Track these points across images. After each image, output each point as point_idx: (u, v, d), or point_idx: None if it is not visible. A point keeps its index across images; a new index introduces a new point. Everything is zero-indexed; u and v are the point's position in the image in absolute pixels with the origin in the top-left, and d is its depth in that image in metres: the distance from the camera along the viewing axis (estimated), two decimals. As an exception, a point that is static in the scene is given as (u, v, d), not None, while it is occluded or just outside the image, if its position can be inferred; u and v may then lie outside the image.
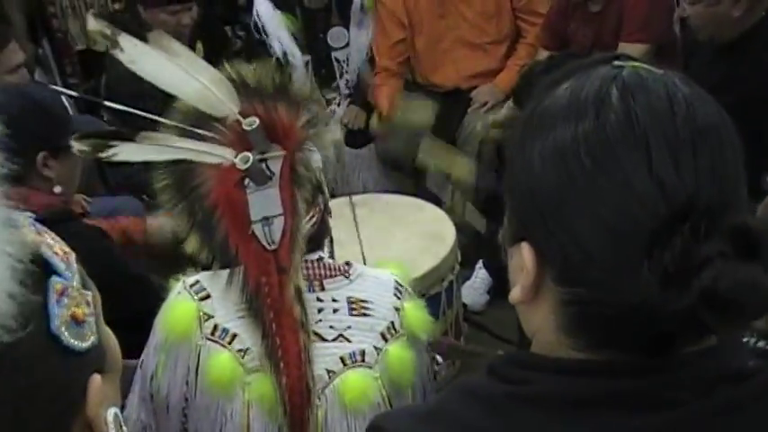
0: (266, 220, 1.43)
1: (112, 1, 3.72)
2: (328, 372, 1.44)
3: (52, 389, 0.65)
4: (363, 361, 1.44)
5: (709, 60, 2.64)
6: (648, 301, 0.67)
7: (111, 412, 0.69)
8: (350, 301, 1.47)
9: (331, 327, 1.45)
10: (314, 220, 1.48)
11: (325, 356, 1.44)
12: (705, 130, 0.71)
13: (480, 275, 3.33)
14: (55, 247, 0.68)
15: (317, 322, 1.45)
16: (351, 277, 1.49)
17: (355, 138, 3.73)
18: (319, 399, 1.43)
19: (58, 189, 2.04)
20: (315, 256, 1.50)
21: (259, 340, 1.42)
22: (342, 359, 1.44)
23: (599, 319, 0.72)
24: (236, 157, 1.45)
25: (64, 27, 3.74)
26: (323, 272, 1.49)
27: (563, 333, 0.75)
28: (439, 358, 2.59)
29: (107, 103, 2.92)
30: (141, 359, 1.51)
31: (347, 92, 3.78)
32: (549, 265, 0.74)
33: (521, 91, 2.24)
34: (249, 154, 1.44)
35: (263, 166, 1.45)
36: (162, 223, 2.48)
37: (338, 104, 3.78)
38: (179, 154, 1.48)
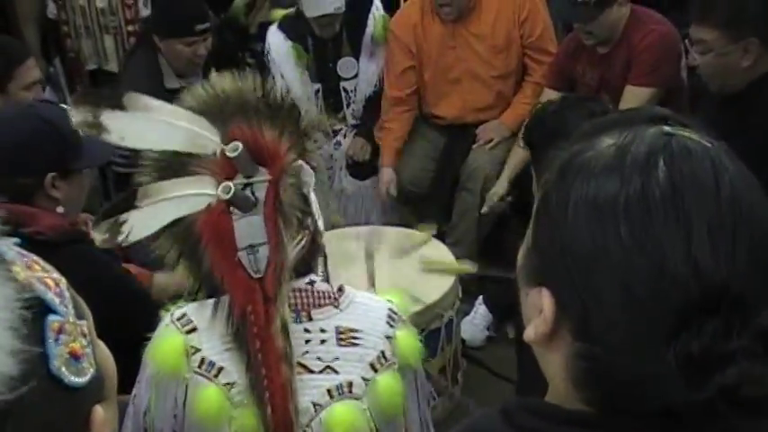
0: (251, 248, 1.42)
1: (126, 23, 3.74)
2: (314, 405, 1.42)
3: (56, 428, 0.64)
4: (351, 392, 1.43)
5: (717, 108, 2.65)
6: (664, 380, 0.67)
7: None
8: (338, 331, 1.45)
9: (318, 358, 1.44)
10: (303, 243, 1.46)
11: (311, 389, 1.42)
12: (747, 215, 0.70)
13: (480, 311, 3.32)
14: (46, 279, 0.66)
15: (303, 354, 1.43)
16: (341, 306, 1.48)
17: (360, 169, 3.74)
18: (305, 431, 1.41)
19: (60, 210, 2.04)
20: (305, 280, 1.48)
21: (244, 373, 1.41)
22: (329, 391, 1.43)
23: (610, 381, 0.71)
24: (218, 189, 1.44)
25: (76, 47, 3.76)
26: (312, 300, 1.47)
27: (572, 384, 0.74)
28: (434, 393, 2.58)
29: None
30: (134, 393, 1.49)
31: (353, 122, 3.80)
32: (567, 317, 0.73)
33: (532, 129, 2.24)
34: (231, 184, 1.43)
35: (248, 191, 1.44)
36: (167, 284, 2.48)
37: (344, 136, 3.79)
38: (173, 210, 1.47)
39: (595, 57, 3.21)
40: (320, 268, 1.55)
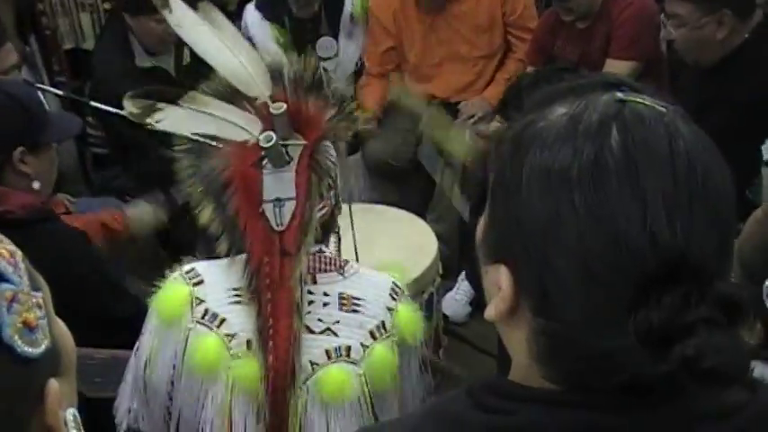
0: (278, 201, 1.47)
1: (103, 0, 3.70)
2: (312, 363, 1.45)
3: (8, 399, 0.64)
4: (348, 356, 1.46)
5: (694, 81, 2.66)
6: (625, 355, 0.66)
7: (70, 412, 0.68)
8: (341, 297, 1.49)
9: (319, 320, 1.47)
10: (324, 210, 1.51)
11: (311, 348, 1.45)
12: (703, 183, 0.69)
13: (463, 287, 3.33)
14: (0, 250, 0.66)
15: (305, 314, 1.46)
16: (345, 274, 1.51)
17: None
18: (300, 389, 1.44)
19: (36, 185, 2.04)
20: (315, 248, 1.51)
21: (249, 324, 1.44)
22: (327, 352, 1.46)
23: (572, 357, 0.70)
24: (260, 134, 1.48)
25: (53, 25, 3.71)
26: (318, 265, 1.50)
27: (535, 360, 0.73)
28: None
29: (93, 104, 2.91)
30: (137, 346, 1.52)
31: (334, 102, 3.77)
32: (526, 293, 0.72)
33: (508, 103, 2.24)
34: (272, 133, 1.47)
35: (284, 150, 1.48)
36: (141, 211, 2.46)
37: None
38: (212, 126, 1.51)
39: (574, 32, 3.20)
40: (333, 245, 1.59)
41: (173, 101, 1.52)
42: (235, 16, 3.82)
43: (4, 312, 0.63)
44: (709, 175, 0.70)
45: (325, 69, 3.83)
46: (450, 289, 3.29)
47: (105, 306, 1.65)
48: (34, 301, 0.66)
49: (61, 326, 0.72)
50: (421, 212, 3.17)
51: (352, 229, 2.40)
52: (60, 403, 0.67)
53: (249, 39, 3.56)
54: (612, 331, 0.66)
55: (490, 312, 0.75)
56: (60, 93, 3.14)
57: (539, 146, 0.71)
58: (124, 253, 2.63)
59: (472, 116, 3.53)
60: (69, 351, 0.71)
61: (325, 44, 3.65)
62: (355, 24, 3.64)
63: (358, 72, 3.70)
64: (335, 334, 1.46)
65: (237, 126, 1.52)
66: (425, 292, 2.61)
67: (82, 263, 2.01)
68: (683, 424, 0.70)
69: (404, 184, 3.68)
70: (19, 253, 0.67)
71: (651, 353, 0.65)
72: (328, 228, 1.56)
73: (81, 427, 0.68)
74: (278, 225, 1.46)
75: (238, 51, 1.52)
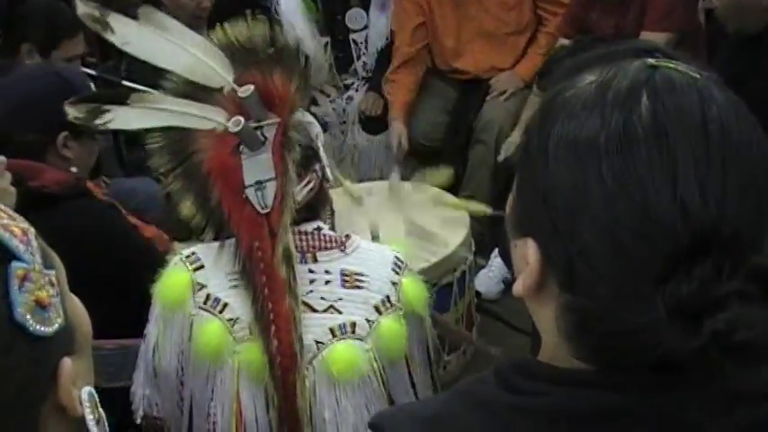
0: (259, 183, 1.45)
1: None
2: (317, 342, 1.45)
3: (20, 378, 0.63)
4: (354, 332, 1.45)
5: (734, 51, 2.60)
6: (655, 331, 0.63)
7: (86, 391, 0.67)
8: (343, 274, 1.48)
9: (322, 298, 1.46)
10: (311, 185, 1.49)
11: (314, 327, 1.45)
12: (738, 150, 0.66)
13: (496, 264, 3.30)
14: (12, 227, 0.64)
15: (307, 293, 1.46)
16: (347, 250, 1.50)
17: (372, 124, 3.70)
18: (307, 369, 1.43)
19: (74, 170, 2.08)
20: (313, 225, 1.51)
21: (249, 308, 1.43)
22: (331, 330, 1.45)
23: (600, 334, 0.68)
24: (228, 121, 1.46)
25: (81, 6, 3.73)
26: (317, 243, 1.49)
27: (564, 338, 0.71)
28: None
29: (125, 83, 2.92)
30: (145, 332, 1.53)
31: (364, 75, 3.74)
32: (553, 268, 0.70)
33: (546, 76, 2.20)
34: (241, 118, 1.46)
35: (258, 132, 1.46)
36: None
37: (356, 90, 3.74)
38: (172, 119, 1.49)
39: (610, 3, 3.15)
40: (328, 220, 1.57)
41: (121, 102, 1.50)
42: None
43: (16, 291, 0.62)
44: (744, 143, 0.66)
45: (355, 42, 3.81)
46: (484, 266, 3.27)
47: (144, 275, 1.67)
48: (47, 279, 0.65)
49: (77, 304, 0.71)
50: (452, 190, 3.14)
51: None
52: (75, 382, 0.66)
53: (277, 12, 3.56)
54: (642, 306, 0.63)
55: (518, 287, 0.73)
56: (93, 73, 3.15)
57: (566, 115, 0.69)
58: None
59: (504, 92, 3.49)
60: (84, 330, 0.70)
61: (354, 15, 3.62)
62: (387, -3, 3.61)
63: (388, 47, 3.66)
64: (339, 311, 1.46)
65: (200, 117, 1.50)
66: (458, 270, 2.60)
67: (116, 236, 2.03)
68: (718, 405, 0.68)
69: (435, 162, 3.65)
70: (32, 230, 0.66)
71: (682, 328, 0.62)
72: (319, 203, 1.54)
73: (98, 406, 0.67)
74: (263, 208, 1.45)
75: (191, 46, 1.50)
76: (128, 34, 1.47)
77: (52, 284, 0.66)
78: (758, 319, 0.61)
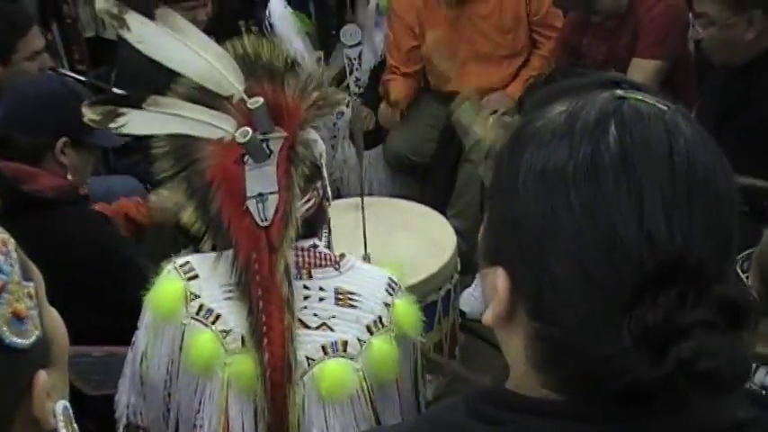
0: (261, 196, 1.45)
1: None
2: (308, 359, 1.44)
3: None
4: (345, 351, 1.44)
5: (722, 82, 2.62)
6: (622, 359, 0.64)
7: (60, 405, 0.66)
8: (337, 292, 1.47)
9: (315, 315, 1.46)
10: (311, 203, 1.49)
11: (306, 344, 1.44)
12: (703, 182, 0.67)
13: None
14: None
15: (301, 309, 1.45)
16: (341, 269, 1.50)
17: (363, 138, 3.71)
18: (297, 385, 1.43)
19: (69, 178, 2.09)
20: (309, 242, 1.50)
21: (243, 320, 1.43)
22: (323, 347, 1.44)
23: (568, 362, 0.68)
24: (236, 131, 1.46)
25: (74, 13, 3.74)
26: (313, 260, 1.49)
27: (532, 367, 0.71)
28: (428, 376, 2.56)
29: (115, 90, 2.91)
30: (133, 340, 1.52)
31: (356, 90, 3.75)
32: (522, 297, 0.70)
33: (527, 98, 2.21)
34: (249, 129, 1.45)
35: (264, 144, 1.46)
36: (163, 198, 2.47)
37: (347, 105, 3.75)
38: (183, 126, 1.49)
39: (602, 29, 3.17)
40: (324, 238, 1.56)
41: (136, 105, 1.50)
42: (262, 5, 3.83)
43: None
44: (710, 175, 0.67)
45: (348, 58, 3.83)
46: (468, 285, 3.27)
47: (125, 289, 1.66)
48: (25, 291, 0.65)
49: (54, 316, 0.70)
50: (440, 208, 3.15)
51: (363, 223, 2.41)
52: (49, 394, 0.65)
53: (271, 27, 3.57)
54: (609, 335, 0.64)
55: (487, 317, 0.73)
56: (83, 79, 3.15)
57: (535, 144, 0.69)
58: (144, 239, 2.64)
59: (494, 111, 3.51)
60: (61, 342, 0.70)
61: (349, 31, 3.62)
62: (381, 15, 3.62)
63: (381, 63, 3.68)
64: (331, 329, 1.45)
65: (209, 125, 1.49)
66: (443, 289, 2.60)
67: (107, 246, 2.04)
68: None
69: (424, 179, 3.66)
70: (12, 241, 0.66)
71: (648, 356, 0.63)
72: (317, 221, 1.54)
73: (72, 421, 0.67)
74: (262, 220, 1.44)
75: (205, 51, 1.49)
76: (143, 33, 1.47)
77: (30, 297, 0.65)
78: (722, 348, 0.62)
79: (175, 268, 1.49)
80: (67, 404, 0.67)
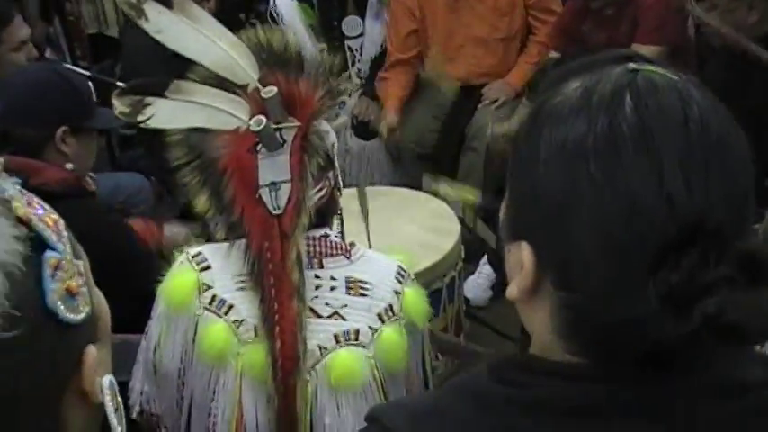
0: (274, 185, 1.46)
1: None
2: (321, 348, 1.45)
3: (48, 363, 0.65)
4: (357, 340, 1.45)
5: (723, 65, 2.64)
6: (648, 320, 0.66)
7: (107, 379, 0.68)
8: (348, 281, 1.48)
9: (327, 304, 1.47)
10: (323, 192, 1.50)
11: (319, 333, 1.45)
12: (718, 146, 0.69)
13: (485, 271, 3.33)
14: (45, 218, 0.66)
15: (313, 298, 1.46)
16: (352, 258, 1.51)
17: (364, 129, 3.73)
18: (309, 374, 1.44)
19: (69, 166, 2.08)
20: (320, 232, 1.51)
21: (256, 310, 1.44)
22: (335, 336, 1.45)
23: (595, 327, 0.71)
24: (250, 120, 1.47)
25: (76, 11, 3.75)
26: (324, 250, 1.50)
27: (558, 336, 0.74)
28: (438, 355, 2.59)
29: (120, 84, 2.92)
30: (146, 329, 1.53)
31: (358, 81, 3.78)
32: (548, 267, 0.73)
33: (537, 84, 2.23)
34: (263, 117, 1.46)
35: (277, 133, 1.47)
36: (177, 235, 2.50)
37: (349, 95, 3.77)
38: (202, 116, 1.50)
39: (601, 16, 3.18)
40: (336, 228, 1.58)
41: (160, 93, 1.52)
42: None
43: (49, 279, 0.64)
44: (724, 139, 0.70)
45: (350, 49, 3.84)
46: (472, 273, 3.29)
47: (136, 277, 1.68)
48: (76, 268, 0.67)
49: (99, 294, 0.72)
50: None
51: (365, 211, 2.43)
52: (96, 369, 0.68)
53: (276, 16, 3.58)
54: (635, 297, 0.66)
55: (513, 290, 0.75)
56: (88, 73, 3.16)
57: (554, 120, 0.72)
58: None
59: (495, 100, 3.53)
60: (105, 320, 0.72)
61: (350, 23, 3.65)
62: (381, 5, 3.64)
63: (382, 54, 3.69)
64: (343, 318, 1.46)
65: (227, 113, 1.51)
66: (447, 276, 2.62)
67: (115, 237, 2.05)
68: (703, 397, 0.71)
69: (427, 167, 3.68)
70: (62, 222, 0.68)
71: (674, 315, 0.65)
72: (329, 210, 1.55)
73: (117, 394, 0.69)
74: (275, 209, 1.45)
75: (221, 40, 1.51)
76: (161, 22, 1.48)
77: (81, 274, 0.68)
78: (745, 301, 0.64)
79: (188, 259, 1.50)
80: (113, 378, 0.69)
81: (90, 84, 2.32)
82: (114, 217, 2.14)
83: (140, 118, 1.51)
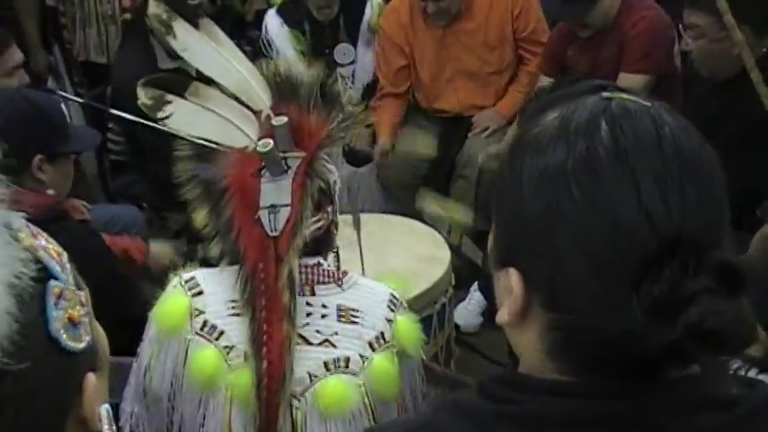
0: (273, 207, 1.48)
1: (121, 13, 3.75)
2: (311, 375, 1.46)
3: (50, 391, 0.66)
4: (347, 367, 1.46)
5: (709, 94, 2.67)
6: (634, 332, 0.69)
7: (104, 408, 0.70)
8: (339, 309, 1.49)
9: (317, 331, 1.48)
10: (320, 224, 1.52)
11: (308, 360, 1.46)
12: (691, 163, 0.73)
13: (475, 297, 3.34)
14: (49, 249, 0.69)
15: (303, 326, 1.47)
16: (344, 286, 1.52)
17: (356, 156, 3.75)
18: (299, 401, 1.44)
19: (50, 192, 2.08)
20: (314, 260, 1.52)
21: (246, 336, 1.45)
22: (325, 364, 1.46)
23: (584, 345, 0.73)
24: (259, 140, 1.50)
25: (73, 39, 3.77)
26: (316, 278, 1.51)
27: (548, 356, 0.76)
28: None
29: (113, 111, 2.95)
30: (138, 352, 1.54)
31: (350, 108, 3.79)
32: (536, 290, 0.75)
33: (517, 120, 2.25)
34: (270, 140, 1.49)
35: (283, 159, 1.50)
36: (162, 251, 2.50)
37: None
38: (215, 126, 1.53)
39: (585, 42, 3.21)
40: (333, 262, 1.60)
41: (180, 91, 1.55)
42: (253, 25, 3.86)
43: (52, 307, 0.66)
44: (696, 157, 0.74)
45: (342, 76, 3.86)
46: (463, 299, 3.30)
47: (117, 300, 1.68)
48: (78, 298, 0.69)
49: (97, 325, 0.74)
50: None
51: (359, 237, 2.43)
52: (96, 397, 0.69)
53: (268, 44, 3.60)
54: (621, 312, 0.69)
55: (503, 315, 0.78)
56: (81, 100, 3.18)
57: (534, 149, 0.76)
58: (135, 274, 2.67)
59: (486, 129, 3.55)
60: (104, 349, 0.74)
61: (342, 50, 3.68)
62: (373, 33, 3.67)
63: (374, 82, 3.72)
64: (334, 345, 1.47)
65: (238, 128, 1.54)
66: (438, 303, 2.62)
67: (97, 259, 2.05)
68: (682, 411, 0.73)
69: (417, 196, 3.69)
70: (65, 254, 0.71)
71: (658, 326, 0.68)
72: (325, 243, 1.56)
73: (113, 422, 0.71)
74: (272, 231, 1.47)
75: (240, 65, 1.54)
76: (188, 41, 1.53)
77: (82, 304, 0.70)
78: (726, 309, 0.67)
79: (181, 284, 1.51)
80: (109, 407, 0.71)
81: (62, 105, 2.31)
82: (95, 240, 2.14)
83: (160, 114, 1.55)
